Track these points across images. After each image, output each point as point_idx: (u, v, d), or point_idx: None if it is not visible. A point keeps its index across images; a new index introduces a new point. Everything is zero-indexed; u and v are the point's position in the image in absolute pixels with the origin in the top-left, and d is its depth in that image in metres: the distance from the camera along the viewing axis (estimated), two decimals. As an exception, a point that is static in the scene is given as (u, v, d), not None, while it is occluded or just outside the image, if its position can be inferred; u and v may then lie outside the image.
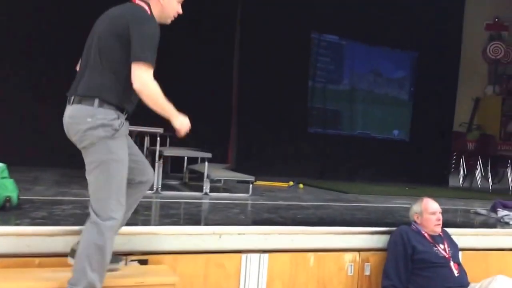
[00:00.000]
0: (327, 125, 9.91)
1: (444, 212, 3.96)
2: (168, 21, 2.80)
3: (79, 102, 2.59)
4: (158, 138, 5.53)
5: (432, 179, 9.91)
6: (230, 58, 8.81)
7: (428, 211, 3.79)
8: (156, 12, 2.69)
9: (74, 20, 6.74)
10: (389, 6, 9.65)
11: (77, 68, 2.84)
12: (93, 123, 2.54)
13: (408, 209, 4.12)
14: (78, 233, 2.97)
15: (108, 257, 2.65)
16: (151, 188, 5.25)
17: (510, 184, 9.55)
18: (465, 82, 10.93)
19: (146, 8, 2.66)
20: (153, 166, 5.54)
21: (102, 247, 2.58)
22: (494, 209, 5.09)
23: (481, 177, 9.80)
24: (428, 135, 10.23)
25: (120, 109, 2.64)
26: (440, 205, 3.95)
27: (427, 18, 10.06)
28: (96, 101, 2.56)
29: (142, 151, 6.69)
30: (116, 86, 2.59)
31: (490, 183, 9.56)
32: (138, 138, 6.01)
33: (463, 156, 10.07)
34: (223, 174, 6.18)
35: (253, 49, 8.72)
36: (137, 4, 2.68)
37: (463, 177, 10.01)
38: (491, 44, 11.38)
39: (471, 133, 10.94)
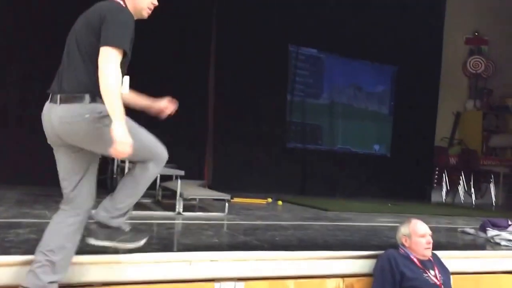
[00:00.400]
0: (306, 140, 9.66)
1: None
2: (144, 14, 2.75)
3: (69, 101, 2.53)
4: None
5: (415, 195, 9.77)
6: (206, 71, 8.56)
7: (417, 234, 3.51)
8: (130, 6, 2.68)
9: (42, 35, 6.53)
10: (368, 19, 9.54)
11: None
12: (94, 117, 2.50)
13: (393, 228, 3.86)
14: (27, 263, 2.64)
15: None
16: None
17: (493, 199, 9.43)
18: (445, 96, 10.85)
19: (121, 2, 2.66)
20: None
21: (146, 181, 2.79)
22: (483, 229, 4.85)
23: (464, 192, 9.66)
24: (409, 149, 10.05)
25: None
26: (424, 222, 3.69)
27: (407, 31, 9.95)
28: (87, 97, 2.52)
29: (112, 168, 6.43)
30: None
31: (473, 198, 9.44)
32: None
33: (445, 171, 9.93)
34: (197, 192, 5.86)
35: (229, 63, 8.52)
36: (111, 0, 2.65)
37: (445, 192, 9.86)
38: (471, 58, 11.35)
39: (452, 147, 10.84)
